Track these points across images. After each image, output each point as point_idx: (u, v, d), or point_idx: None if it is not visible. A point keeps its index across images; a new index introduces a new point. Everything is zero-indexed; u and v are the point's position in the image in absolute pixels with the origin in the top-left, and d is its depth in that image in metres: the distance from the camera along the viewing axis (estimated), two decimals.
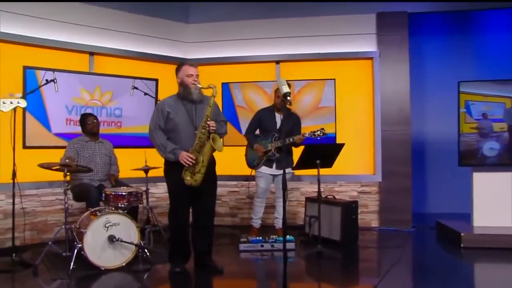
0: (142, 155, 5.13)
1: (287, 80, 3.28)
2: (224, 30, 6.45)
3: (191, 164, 3.70)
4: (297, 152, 4.88)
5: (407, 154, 6.04)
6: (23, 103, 3.28)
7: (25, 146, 5.17)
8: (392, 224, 5.96)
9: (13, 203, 4.29)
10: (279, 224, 5.28)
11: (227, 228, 6.12)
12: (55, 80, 4.90)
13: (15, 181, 4.22)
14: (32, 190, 5.29)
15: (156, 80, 6.17)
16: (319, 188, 4.60)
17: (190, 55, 6.49)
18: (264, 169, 5.07)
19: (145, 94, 5.65)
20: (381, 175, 6.11)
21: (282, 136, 4.70)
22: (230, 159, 5.72)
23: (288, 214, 5.74)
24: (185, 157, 3.71)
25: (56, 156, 4.86)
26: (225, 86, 6.39)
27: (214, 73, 6.32)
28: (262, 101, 6.20)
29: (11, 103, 3.07)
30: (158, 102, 4.02)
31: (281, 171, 4.51)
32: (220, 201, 6.37)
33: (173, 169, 3.81)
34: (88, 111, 5.58)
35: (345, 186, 6.21)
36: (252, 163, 5.14)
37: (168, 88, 6.25)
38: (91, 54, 5.78)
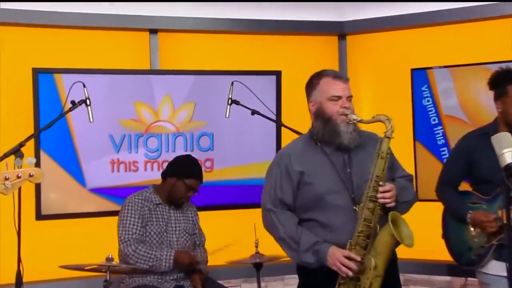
0: (251, 221, 3.21)
1: None
2: None
3: (352, 273, 2.35)
4: None
5: None
6: (38, 177, 2.25)
7: (40, 217, 3.57)
8: None
9: None
10: None
11: None
12: (87, 102, 3.16)
13: (21, 283, 3.00)
14: None
15: (277, 74, 3.84)
16: None
17: (348, 15, 4.11)
18: (496, 268, 2.97)
19: (254, 113, 3.48)
20: None
21: None
22: (430, 227, 3.38)
23: None
24: (341, 259, 2.36)
25: (95, 230, 3.60)
26: (418, 75, 3.78)
27: (394, 49, 4.00)
28: None
29: (18, 177, 2.12)
30: (278, 153, 2.58)
31: None
32: None
33: (316, 284, 2.47)
34: (152, 142, 3.62)
35: None
36: (463, 255, 3.13)
37: (302, 87, 3.64)
38: (153, 32, 3.73)
